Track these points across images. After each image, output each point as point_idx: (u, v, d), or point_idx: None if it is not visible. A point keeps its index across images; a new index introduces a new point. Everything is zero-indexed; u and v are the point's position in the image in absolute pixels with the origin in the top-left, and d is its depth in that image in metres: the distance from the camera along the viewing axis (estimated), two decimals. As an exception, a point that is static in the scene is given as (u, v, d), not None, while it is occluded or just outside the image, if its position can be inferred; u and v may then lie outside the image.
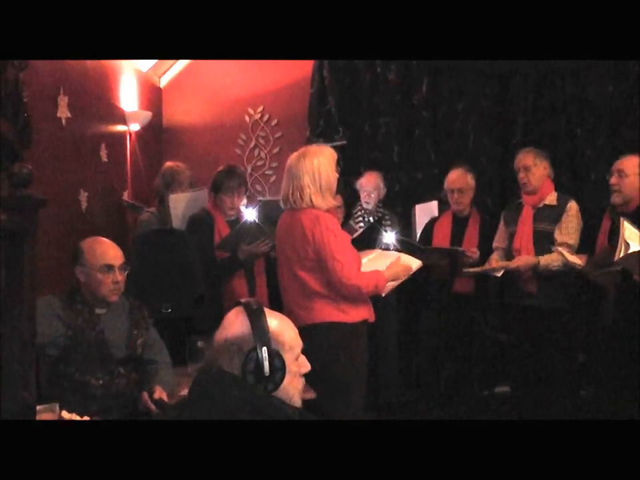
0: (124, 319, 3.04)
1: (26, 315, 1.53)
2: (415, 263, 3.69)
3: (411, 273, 3.63)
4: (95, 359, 2.88)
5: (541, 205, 4.37)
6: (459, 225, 4.76)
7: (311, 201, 3.33)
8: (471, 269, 4.45)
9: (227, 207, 4.16)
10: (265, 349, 1.68)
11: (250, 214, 4.04)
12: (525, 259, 4.24)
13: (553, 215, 4.31)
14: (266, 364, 1.68)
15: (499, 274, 4.30)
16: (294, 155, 3.43)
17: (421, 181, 5.61)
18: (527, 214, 4.36)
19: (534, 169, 4.33)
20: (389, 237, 4.20)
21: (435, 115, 5.64)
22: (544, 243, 4.25)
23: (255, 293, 4.10)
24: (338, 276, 3.26)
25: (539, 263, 4.21)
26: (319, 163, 3.35)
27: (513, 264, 4.25)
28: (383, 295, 3.53)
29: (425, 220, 4.97)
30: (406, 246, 4.45)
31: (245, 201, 4.70)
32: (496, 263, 4.37)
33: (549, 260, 4.20)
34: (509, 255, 4.40)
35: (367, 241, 3.92)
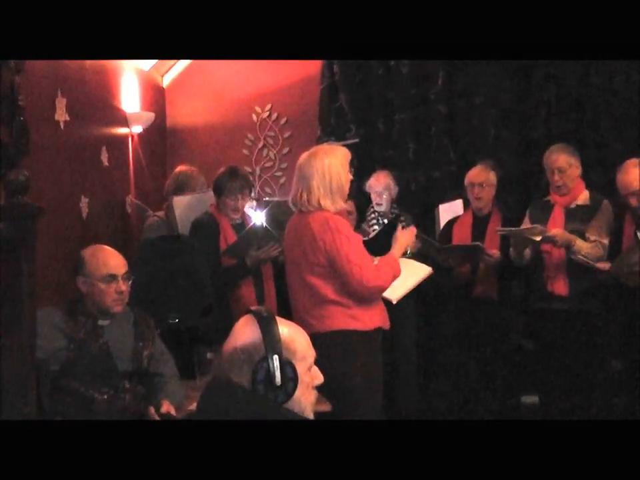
0: (129, 330, 3.05)
1: (26, 328, 1.54)
2: (423, 269, 3.70)
3: (414, 236, 3.71)
4: (99, 372, 2.89)
5: (573, 205, 4.36)
6: (480, 224, 4.75)
7: (319, 203, 3.33)
8: (506, 229, 4.41)
9: (231, 210, 4.17)
10: (276, 357, 1.69)
11: (258, 217, 4.06)
12: (562, 232, 4.22)
13: (586, 215, 4.30)
14: (277, 373, 1.69)
15: (538, 238, 4.24)
16: (304, 155, 3.43)
17: (439, 180, 5.60)
18: (559, 215, 4.35)
19: (569, 171, 4.33)
20: None
21: (453, 110, 5.63)
22: None
23: (263, 300, 4.11)
24: (357, 280, 3.27)
25: (574, 243, 4.18)
26: (330, 163, 3.35)
27: (552, 232, 4.21)
28: (394, 301, 3.54)
29: (450, 218, 4.95)
30: (423, 243, 4.46)
31: (254, 203, 4.71)
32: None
33: (584, 246, 4.19)
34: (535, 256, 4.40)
35: (381, 244, 3.90)
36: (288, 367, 1.71)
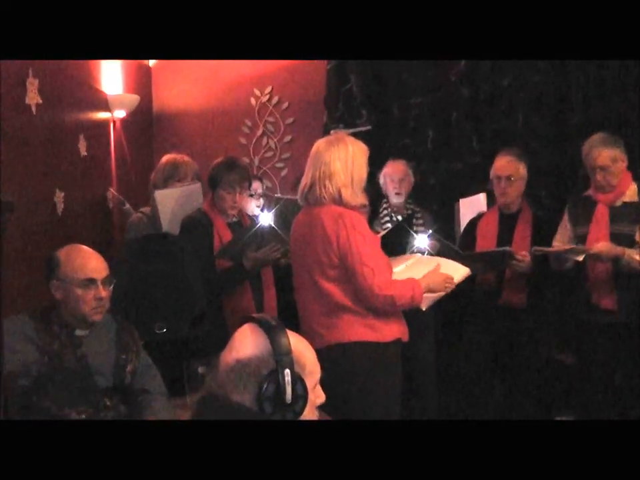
0: (110, 341, 3.05)
1: (-9, 338, 1.54)
2: (459, 272, 3.67)
3: (454, 284, 3.60)
4: (76, 389, 2.89)
5: (619, 202, 4.32)
6: (507, 223, 4.71)
7: (340, 193, 3.35)
8: (545, 249, 4.36)
9: (228, 206, 4.16)
10: (287, 371, 1.69)
11: (266, 218, 4.04)
12: (608, 246, 4.16)
13: (635, 214, 4.25)
14: (288, 389, 1.68)
15: (580, 257, 4.21)
16: (322, 141, 3.47)
17: (461, 172, 5.60)
18: (602, 213, 4.30)
19: (613, 167, 4.26)
20: (421, 239, 4.17)
21: (476, 93, 5.62)
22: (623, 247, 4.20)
23: (263, 308, 4.10)
24: (368, 285, 3.26)
25: (623, 254, 4.15)
26: (355, 153, 3.39)
27: (595, 248, 4.17)
28: (423, 308, 3.52)
29: (473, 217, 4.93)
30: (443, 248, 4.43)
31: (260, 201, 4.69)
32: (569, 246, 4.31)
33: (636, 256, 4.14)
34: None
35: (393, 244, 3.89)
36: (299, 383, 1.70)
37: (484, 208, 4.97)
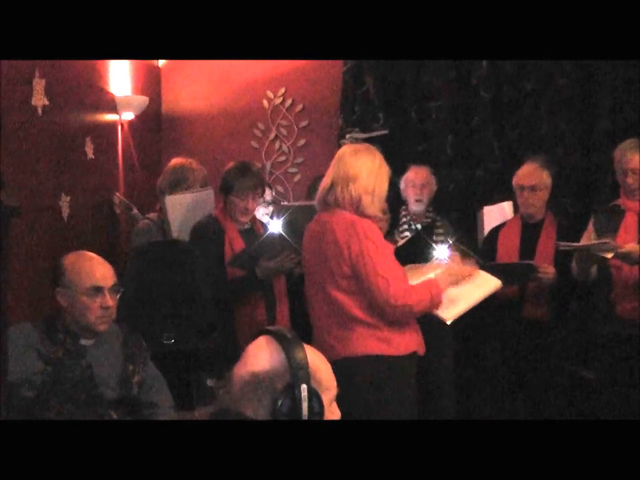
0: (116, 352, 3.05)
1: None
2: (491, 283, 3.67)
3: (468, 275, 3.64)
4: (81, 400, 2.88)
5: None
6: (529, 232, 4.70)
7: (360, 198, 3.36)
8: (570, 244, 4.31)
9: (240, 212, 4.16)
10: (304, 387, 1.68)
11: (275, 226, 4.04)
12: (638, 247, 4.12)
13: None
14: (305, 405, 1.68)
15: (609, 255, 4.18)
16: (349, 146, 3.57)
17: (481, 180, 5.58)
18: (632, 223, 4.27)
19: None
20: (441, 250, 4.16)
21: (499, 97, 5.61)
22: None
23: (275, 320, 4.09)
24: (383, 296, 3.26)
25: None
26: (380, 164, 3.45)
27: (626, 248, 4.13)
28: (448, 322, 3.52)
29: (494, 226, 4.91)
30: (463, 258, 4.41)
31: (270, 209, 4.69)
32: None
33: None
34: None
35: (411, 254, 3.88)
36: (315, 399, 1.70)
37: (510, 217, 4.95)
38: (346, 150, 3.51)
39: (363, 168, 3.40)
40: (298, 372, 1.69)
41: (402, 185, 5.10)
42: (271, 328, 1.80)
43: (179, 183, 4.57)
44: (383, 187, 3.45)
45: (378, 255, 3.29)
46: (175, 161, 4.74)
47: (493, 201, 5.16)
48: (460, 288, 3.59)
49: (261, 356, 1.74)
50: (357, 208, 3.36)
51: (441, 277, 3.47)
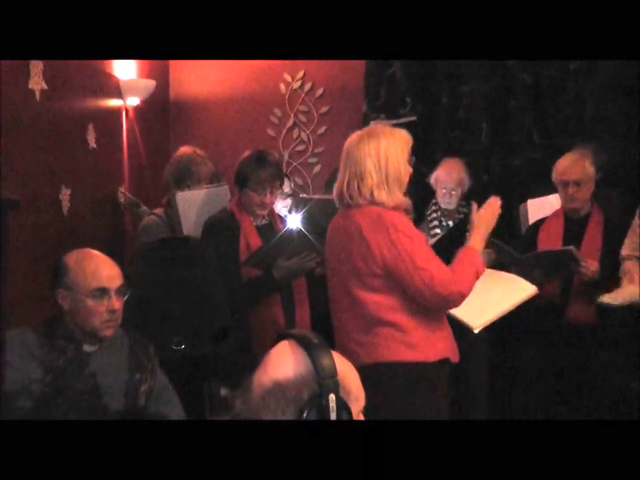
0: (122, 359, 3.05)
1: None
2: (526, 289, 3.66)
3: (497, 213, 3.58)
4: (83, 411, 2.88)
5: None
6: (574, 228, 4.69)
7: (372, 194, 3.33)
8: (608, 299, 4.29)
9: (257, 206, 4.16)
10: (332, 396, 1.67)
11: (294, 221, 4.03)
12: None
13: None
14: (333, 416, 1.67)
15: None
16: (354, 135, 3.45)
17: (519, 170, 5.58)
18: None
19: None
20: None
21: (538, 79, 5.59)
22: None
23: (294, 324, 4.10)
24: (429, 289, 3.24)
25: None
26: (388, 146, 3.36)
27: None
28: (475, 331, 3.56)
29: (535, 221, 4.89)
30: (498, 253, 4.41)
31: (288, 202, 4.67)
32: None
33: None
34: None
35: (444, 252, 3.87)
36: (344, 409, 1.69)
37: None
38: (351, 140, 3.45)
39: (367, 160, 3.34)
40: (325, 381, 1.68)
41: (432, 180, 5.08)
42: (294, 332, 1.80)
43: (183, 178, 4.58)
44: (396, 170, 3.37)
45: (414, 246, 3.26)
46: (182, 151, 4.74)
47: (535, 194, 5.13)
48: (491, 293, 3.57)
49: (285, 362, 1.73)
50: (375, 202, 3.34)
51: (474, 239, 3.43)
